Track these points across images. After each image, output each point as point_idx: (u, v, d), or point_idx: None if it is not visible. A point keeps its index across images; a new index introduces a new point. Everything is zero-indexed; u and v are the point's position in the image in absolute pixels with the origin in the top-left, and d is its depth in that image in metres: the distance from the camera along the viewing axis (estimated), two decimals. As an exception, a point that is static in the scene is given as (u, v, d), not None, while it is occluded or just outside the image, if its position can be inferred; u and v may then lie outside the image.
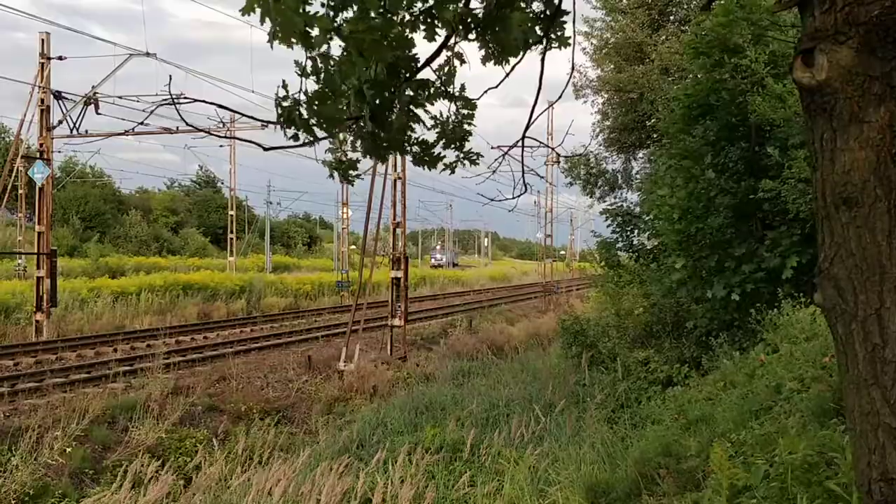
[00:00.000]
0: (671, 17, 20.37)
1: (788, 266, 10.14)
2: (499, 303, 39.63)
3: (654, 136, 19.64)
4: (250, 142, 4.13)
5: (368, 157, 4.35)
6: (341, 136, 4.06)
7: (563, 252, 78.40)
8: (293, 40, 3.08)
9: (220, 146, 46.93)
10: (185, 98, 3.90)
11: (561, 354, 16.08)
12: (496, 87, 4.09)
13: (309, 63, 3.31)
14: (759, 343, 9.21)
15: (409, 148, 4.26)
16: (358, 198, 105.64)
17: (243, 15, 3.09)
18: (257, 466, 9.25)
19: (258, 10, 2.98)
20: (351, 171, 4.27)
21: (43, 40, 23.89)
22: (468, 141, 4.26)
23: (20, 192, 35.07)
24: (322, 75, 3.33)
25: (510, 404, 12.33)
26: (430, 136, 4.22)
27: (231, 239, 49.57)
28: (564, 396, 11.78)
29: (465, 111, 4.19)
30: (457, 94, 4.17)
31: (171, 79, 3.87)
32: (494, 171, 5.40)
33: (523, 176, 4.69)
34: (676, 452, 6.89)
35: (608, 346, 13.58)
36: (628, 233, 15.85)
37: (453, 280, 61.70)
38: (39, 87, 23.99)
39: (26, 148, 27.37)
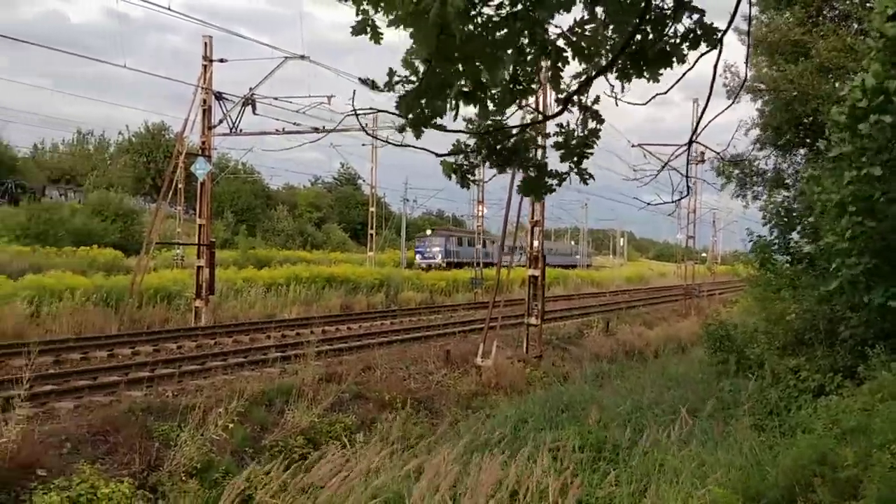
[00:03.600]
0: (827, 14, 19.45)
1: None
2: (635, 305, 39.04)
3: (811, 135, 18.82)
4: (423, 149, 4.31)
5: (489, 165, 4.48)
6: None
7: (704, 254, 75.96)
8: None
9: (363, 145, 48.43)
10: (336, 99, 4.11)
11: (705, 360, 15.79)
12: (665, 92, 4.16)
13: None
14: (923, 354, 8.83)
15: (525, 165, 4.31)
16: (492, 196, 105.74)
17: (353, 35, 3.38)
18: (411, 454, 9.66)
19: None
20: (469, 176, 4.36)
21: (206, 43, 25.61)
22: (587, 157, 4.20)
23: (179, 186, 37.57)
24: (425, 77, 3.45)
25: (652, 407, 12.26)
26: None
27: (371, 235, 51.21)
28: (709, 402, 11.61)
29: (592, 125, 4.13)
30: (589, 104, 4.09)
31: (354, 93, 3.96)
32: (655, 177, 5.51)
33: (687, 179, 4.79)
34: (832, 461, 6.76)
35: (756, 352, 13.26)
36: (786, 234, 15.22)
37: (587, 280, 61.19)
38: (202, 88, 25.69)
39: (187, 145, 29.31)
